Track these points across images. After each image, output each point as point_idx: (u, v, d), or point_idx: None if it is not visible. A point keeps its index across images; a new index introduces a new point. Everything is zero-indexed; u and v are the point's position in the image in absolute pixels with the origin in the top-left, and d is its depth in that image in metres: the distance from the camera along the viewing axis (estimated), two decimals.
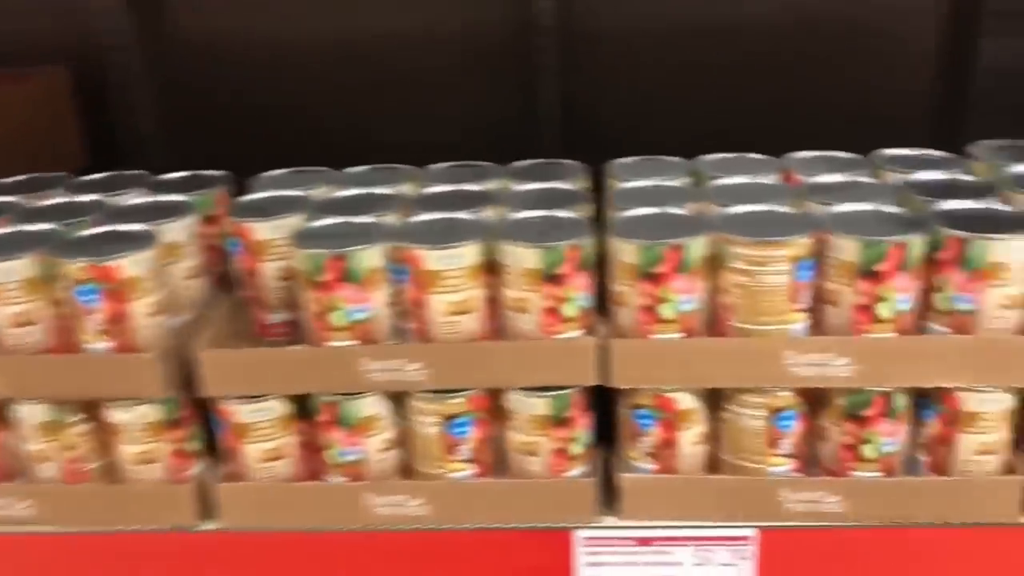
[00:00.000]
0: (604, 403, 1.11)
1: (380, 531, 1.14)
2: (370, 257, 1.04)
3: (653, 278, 1.01)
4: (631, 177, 1.22)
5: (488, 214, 1.15)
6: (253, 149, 1.53)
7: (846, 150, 1.28)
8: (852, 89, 1.83)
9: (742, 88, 1.84)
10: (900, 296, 1.00)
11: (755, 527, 1.10)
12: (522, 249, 1.02)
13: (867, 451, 1.07)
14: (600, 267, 1.07)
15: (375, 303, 1.06)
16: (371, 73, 1.85)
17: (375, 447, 1.12)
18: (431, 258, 1.03)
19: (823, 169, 1.22)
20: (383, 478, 1.13)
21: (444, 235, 1.05)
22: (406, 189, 1.25)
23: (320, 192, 1.26)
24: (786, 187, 1.17)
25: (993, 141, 1.28)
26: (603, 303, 1.08)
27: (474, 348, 1.06)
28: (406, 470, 1.15)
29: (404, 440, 1.13)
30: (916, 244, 0.98)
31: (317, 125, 1.83)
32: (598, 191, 1.25)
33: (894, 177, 1.20)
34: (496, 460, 1.14)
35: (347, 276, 1.04)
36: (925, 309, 1.03)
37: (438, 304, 1.05)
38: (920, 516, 1.08)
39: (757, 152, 1.29)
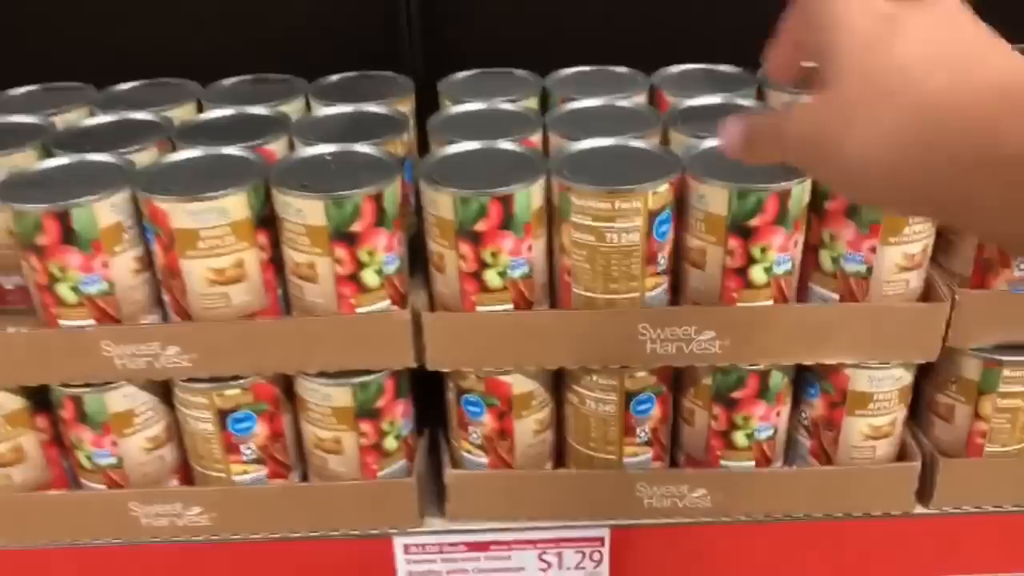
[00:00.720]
0: (432, 382, 0.90)
1: (156, 544, 0.92)
2: (102, 212, 0.79)
3: (474, 237, 0.79)
4: (465, 98, 0.98)
5: (275, 148, 0.90)
6: None
7: (735, 63, 1.05)
8: None
9: None
10: (779, 256, 0.80)
11: (608, 526, 0.92)
12: (301, 200, 0.78)
13: (739, 438, 0.89)
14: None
15: (115, 272, 0.81)
16: None
17: (136, 447, 0.89)
18: (180, 212, 0.78)
19: (701, 88, 1.00)
20: (153, 483, 0.91)
21: (203, 180, 0.80)
22: (178, 113, 0.99)
23: (70, 117, 0.98)
24: (651, 113, 0.95)
25: None
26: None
27: (245, 327, 0.83)
28: (186, 473, 0.93)
29: (178, 438, 0.91)
30: (799, 191, 0.78)
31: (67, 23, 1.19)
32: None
33: (784, 98, 0.98)
34: (295, 458, 0.92)
35: (72, 238, 0.79)
36: (809, 271, 0.84)
37: (196, 271, 0.80)
38: (800, 509, 0.91)
39: (628, 65, 1.06)
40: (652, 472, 0.91)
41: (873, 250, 0.80)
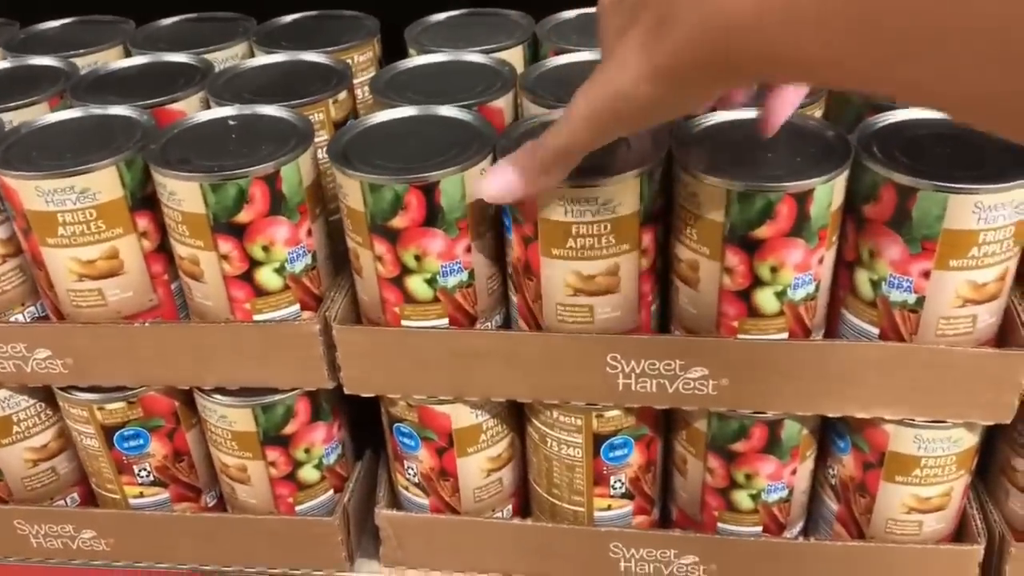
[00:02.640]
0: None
1: (52, 567, 0.80)
2: None
3: (390, 234, 0.61)
4: (434, 46, 0.79)
5: (184, 106, 0.73)
6: None
7: None
8: None
9: None
10: (797, 276, 0.59)
11: None
12: (175, 180, 0.62)
13: (741, 498, 0.69)
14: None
15: None
16: None
17: (17, 458, 0.76)
18: (31, 192, 0.63)
19: None
20: (44, 498, 0.78)
21: (74, 150, 0.65)
22: (99, 58, 0.83)
23: None
24: None
25: None
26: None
27: (120, 331, 0.67)
28: (89, 487, 0.79)
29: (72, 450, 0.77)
30: (825, 192, 0.57)
31: None
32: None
33: None
34: (207, 478, 0.78)
35: None
36: (842, 295, 0.63)
37: (60, 262, 0.65)
38: None
39: None
40: (630, 531, 0.72)
41: (926, 275, 0.58)
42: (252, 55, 0.83)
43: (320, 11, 0.88)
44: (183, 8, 0.89)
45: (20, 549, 0.79)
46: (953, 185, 0.55)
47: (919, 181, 0.55)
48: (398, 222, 0.60)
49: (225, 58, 0.81)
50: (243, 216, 0.62)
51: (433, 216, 0.60)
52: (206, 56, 0.79)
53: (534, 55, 0.80)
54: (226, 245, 0.63)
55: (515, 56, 0.78)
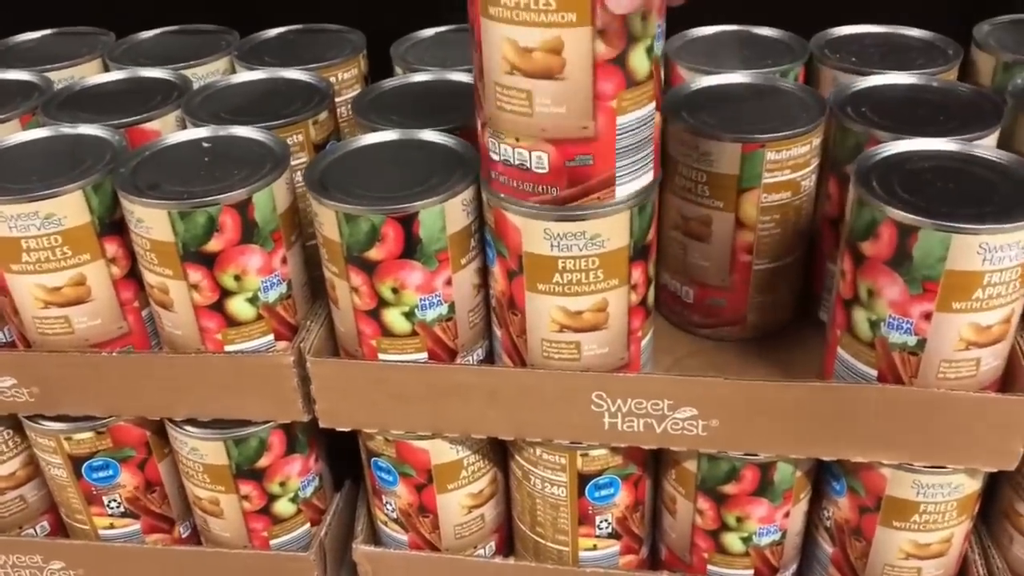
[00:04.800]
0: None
1: None
2: None
3: (366, 265, 0.58)
4: (421, 64, 0.76)
5: (158, 126, 0.71)
6: None
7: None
8: None
9: None
10: None
11: None
12: (142, 207, 0.59)
13: (732, 541, 0.67)
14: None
15: None
16: None
17: None
18: None
19: (727, 58, 0.76)
20: (12, 526, 0.75)
21: (41, 172, 0.62)
22: (77, 72, 0.80)
23: None
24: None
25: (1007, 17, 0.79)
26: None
27: (86, 360, 0.65)
28: (59, 515, 0.77)
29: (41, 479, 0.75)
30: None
31: None
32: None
33: (834, 78, 0.73)
34: (180, 508, 0.75)
35: None
36: (835, 336, 0.60)
37: (24, 289, 0.63)
38: None
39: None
40: (616, 571, 0.69)
41: (928, 317, 0.55)
42: (233, 70, 0.80)
43: (305, 25, 0.85)
44: (165, 20, 0.86)
45: None
46: (956, 224, 0.52)
47: (920, 219, 0.53)
48: (375, 254, 0.58)
49: (205, 73, 0.79)
50: (213, 245, 0.59)
51: (411, 248, 0.57)
52: (185, 72, 0.77)
53: None
54: (196, 274, 0.60)
55: None
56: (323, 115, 0.70)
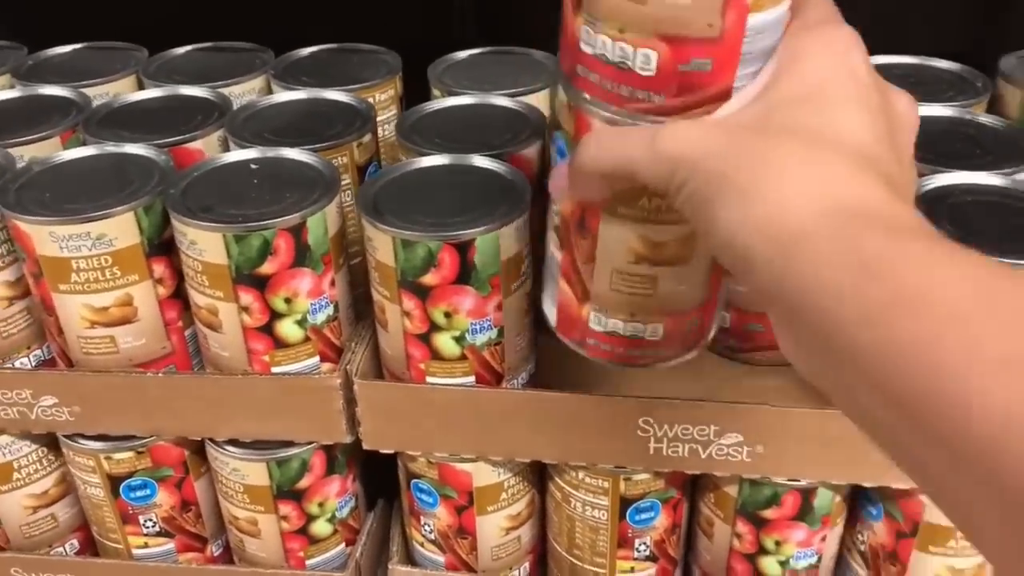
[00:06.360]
0: None
1: None
2: None
3: (421, 291, 0.59)
4: (460, 87, 0.77)
5: (202, 145, 0.71)
6: None
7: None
8: None
9: None
10: None
11: None
12: (196, 230, 0.59)
13: (769, 565, 0.67)
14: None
15: None
16: None
17: (16, 505, 0.73)
18: (45, 238, 0.60)
19: None
20: (42, 545, 0.75)
21: (89, 193, 0.62)
22: (112, 88, 0.80)
23: None
24: None
25: None
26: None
27: (132, 380, 0.65)
28: (89, 534, 0.76)
29: (76, 495, 0.75)
30: None
31: None
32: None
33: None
34: (213, 527, 0.75)
35: None
36: None
37: (71, 309, 0.63)
38: None
39: None
40: None
41: None
42: (269, 90, 0.80)
43: (339, 44, 0.85)
44: (196, 36, 0.87)
45: None
46: (1001, 260, 0.53)
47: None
48: (430, 279, 0.58)
49: (242, 92, 0.79)
50: (266, 268, 0.59)
51: (466, 274, 0.58)
52: (222, 90, 0.77)
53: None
54: (247, 296, 0.60)
55: (541, 99, 0.76)
56: (367, 137, 0.71)
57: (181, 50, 0.86)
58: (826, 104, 0.35)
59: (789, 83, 0.37)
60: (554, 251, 0.48)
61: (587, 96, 0.41)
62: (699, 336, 0.49)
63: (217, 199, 0.62)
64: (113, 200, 0.61)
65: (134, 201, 0.61)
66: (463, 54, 0.83)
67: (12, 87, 0.80)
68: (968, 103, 0.73)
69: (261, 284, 0.60)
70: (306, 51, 0.85)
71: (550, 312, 0.50)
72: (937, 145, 0.66)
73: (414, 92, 0.80)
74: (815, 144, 0.34)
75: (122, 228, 0.61)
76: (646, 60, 0.39)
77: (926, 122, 0.70)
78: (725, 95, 0.39)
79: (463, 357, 0.62)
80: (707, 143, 0.36)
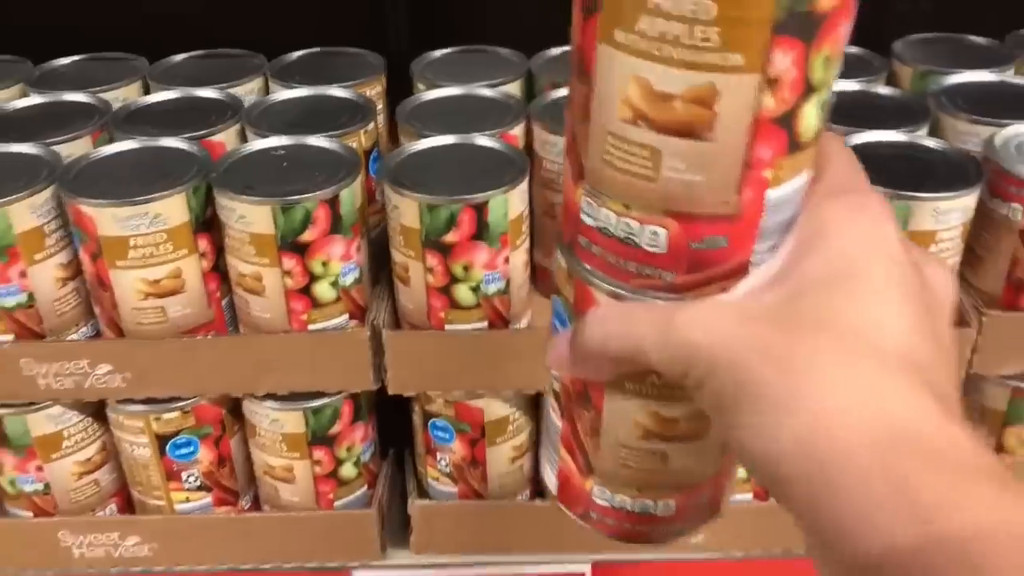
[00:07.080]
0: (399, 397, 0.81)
1: (92, 574, 0.84)
2: (18, 216, 0.69)
3: (443, 248, 0.69)
4: (441, 81, 0.88)
5: (223, 138, 0.80)
6: None
7: None
8: None
9: None
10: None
11: (589, 560, 0.83)
12: (245, 205, 0.68)
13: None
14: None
15: (36, 281, 0.72)
16: None
17: (65, 472, 0.80)
18: (108, 219, 0.68)
19: None
20: (87, 509, 0.82)
21: (138, 179, 0.70)
22: (120, 94, 0.88)
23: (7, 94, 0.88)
24: None
25: (921, 35, 0.97)
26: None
27: (184, 345, 0.73)
28: (126, 497, 0.84)
29: (116, 459, 0.82)
30: None
31: None
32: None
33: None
34: (244, 482, 0.83)
35: None
36: None
37: (127, 283, 0.71)
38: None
39: None
40: None
41: None
42: (268, 90, 0.90)
43: (323, 48, 0.95)
44: (191, 45, 0.95)
45: (61, 560, 0.82)
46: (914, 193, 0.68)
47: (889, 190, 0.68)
48: (451, 237, 0.69)
49: (246, 92, 0.88)
50: (307, 235, 0.69)
51: (482, 231, 0.69)
52: (234, 91, 0.86)
53: (530, 88, 0.90)
54: (290, 262, 0.70)
55: (515, 89, 0.88)
56: (370, 126, 0.81)
57: (179, 57, 0.94)
58: (859, 289, 0.31)
59: (815, 262, 0.32)
60: (554, 418, 0.44)
61: (589, 267, 0.38)
62: (715, 507, 0.43)
63: (255, 180, 0.71)
64: (164, 184, 0.69)
65: (185, 183, 0.69)
66: (438, 53, 0.94)
67: (27, 95, 0.87)
68: (871, 79, 0.88)
69: (303, 250, 0.69)
70: (295, 54, 0.94)
71: (550, 480, 0.45)
72: (852, 112, 0.80)
73: (396, 89, 0.91)
74: (854, 345, 0.30)
75: (175, 208, 0.69)
76: (654, 237, 0.36)
77: (840, 95, 0.85)
78: (741, 271, 0.36)
79: (478, 305, 0.72)
80: (729, 338, 0.32)
